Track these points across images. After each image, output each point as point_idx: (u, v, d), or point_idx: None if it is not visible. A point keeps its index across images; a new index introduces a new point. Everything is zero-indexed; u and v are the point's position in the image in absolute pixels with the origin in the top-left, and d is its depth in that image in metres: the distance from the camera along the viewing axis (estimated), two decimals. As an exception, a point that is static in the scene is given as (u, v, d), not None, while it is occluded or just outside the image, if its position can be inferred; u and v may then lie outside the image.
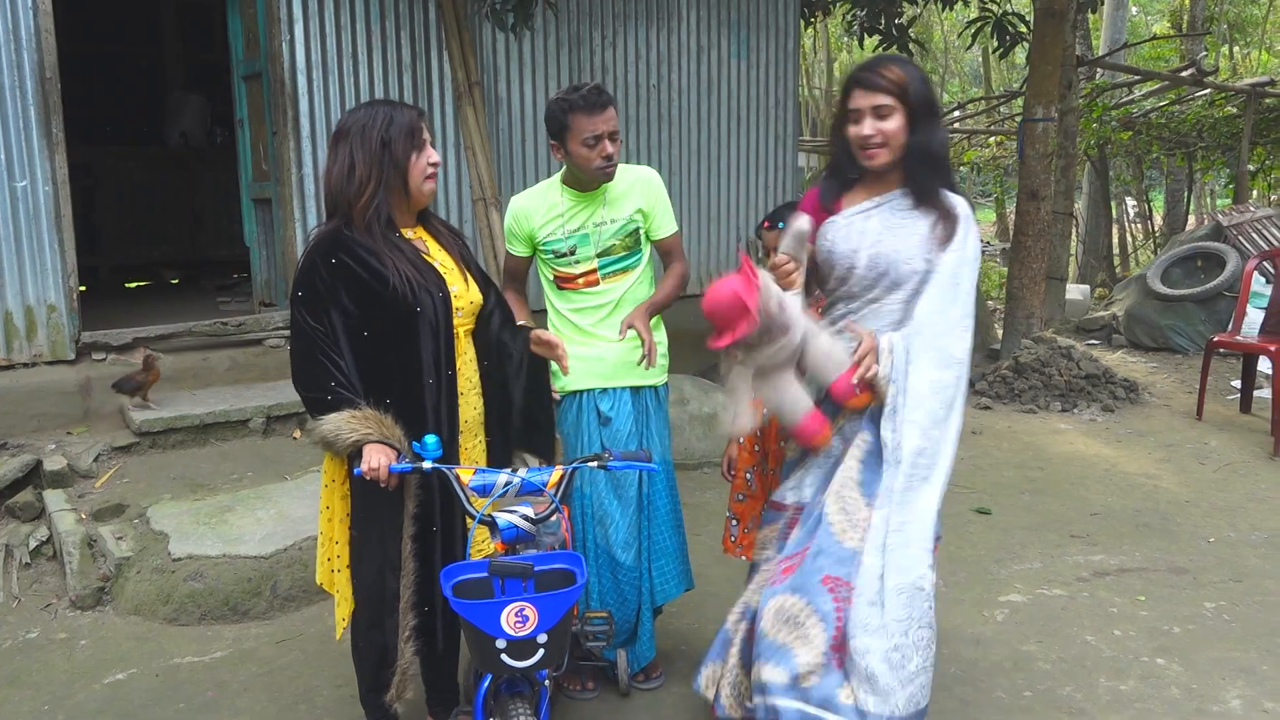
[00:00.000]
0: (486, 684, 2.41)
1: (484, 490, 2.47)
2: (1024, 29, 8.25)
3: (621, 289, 3.20)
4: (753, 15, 7.22)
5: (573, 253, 3.17)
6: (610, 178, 3.11)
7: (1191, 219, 14.26)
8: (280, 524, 4.04)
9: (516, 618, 2.22)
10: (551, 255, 3.19)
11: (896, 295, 2.68)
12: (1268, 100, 11.24)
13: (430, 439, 2.51)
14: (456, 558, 2.66)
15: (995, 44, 8.61)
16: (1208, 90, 11.38)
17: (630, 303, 3.21)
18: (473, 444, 2.81)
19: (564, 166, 3.17)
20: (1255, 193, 13.57)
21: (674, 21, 6.85)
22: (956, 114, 14.78)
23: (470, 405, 2.78)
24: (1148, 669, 3.42)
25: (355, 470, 2.48)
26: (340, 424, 2.50)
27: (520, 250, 3.27)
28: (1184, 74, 10.68)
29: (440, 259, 2.72)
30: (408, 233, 2.71)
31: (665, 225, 3.29)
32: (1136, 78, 11.25)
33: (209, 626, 3.72)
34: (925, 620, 2.47)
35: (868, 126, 2.62)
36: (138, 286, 8.65)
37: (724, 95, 7.17)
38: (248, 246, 6.07)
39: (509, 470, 2.51)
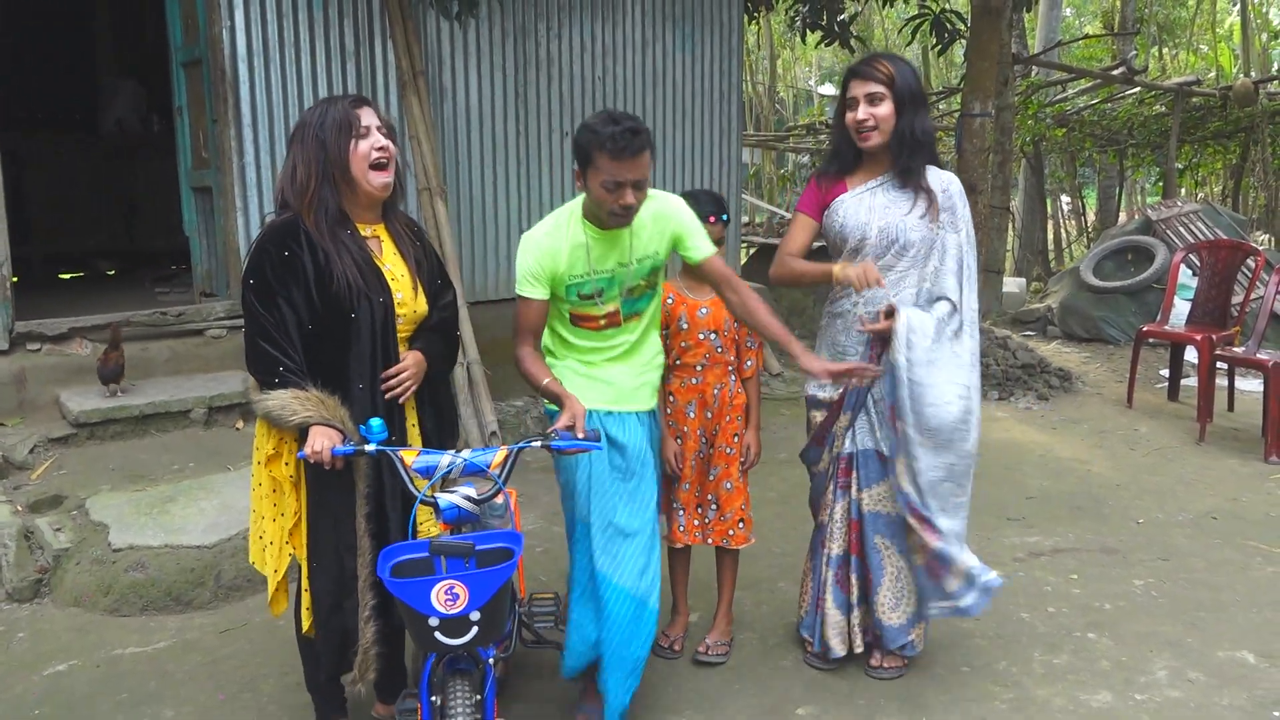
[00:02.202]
0: (431, 663, 2.43)
1: (428, 472, 2.48)
2: (961, 26, 8.42)
3: (639, 330, 2.98)
4: (697, 9, 7.27)
5: (599, 294, 2.87)
6: (625, 226, 2.79)
7: (1123, 215, 14.65)
8: (224, 514, 4.00)
9: (446, 595, 2.24)
10: (576, 298, 2.88)
11: (905, 261, 3.11)
12: (1194, 99, 11.59)
13: (375, 422, 2.52)
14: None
15: (934, 41, 8.78)
16: (1138, 89, 11.69)
17: (646, 342, 3.02)
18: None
19: (582, 196, 2.85)
20: (1182, 190, 13.99)
21: (619, 14, 6.87)
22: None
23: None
24: (1080, 643, 3.54)
25: (300, 454, 2.48)
26: (286, 401, 2.51)
27: (541, 293, 2.84)
28: (1115, 72, 10.97)
29: (392, 263, 2.71)
30: (365, 229, 2.70)
31: (703, 246, 2.95)
32: (1070, 75, 11.52)
33: (151, 617, 3.67)
34: None
35: (862, 111, 3.04)
36: (72, 278, 8.45)
37: (669, 88, 7.22)
38: (187, 236, 5.97)
39: (452, 452, 2.52)
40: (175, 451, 4.72)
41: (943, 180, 3.14)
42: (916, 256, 3.11)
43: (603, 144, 2.64)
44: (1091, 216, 15.96)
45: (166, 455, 4.67)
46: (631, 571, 2.86)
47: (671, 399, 3.30)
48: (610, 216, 2.74)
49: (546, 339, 3.00)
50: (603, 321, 2.90)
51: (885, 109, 3.02)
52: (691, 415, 3.29)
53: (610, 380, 2.94)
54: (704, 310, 3.24)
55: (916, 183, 3.09)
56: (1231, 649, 3.49)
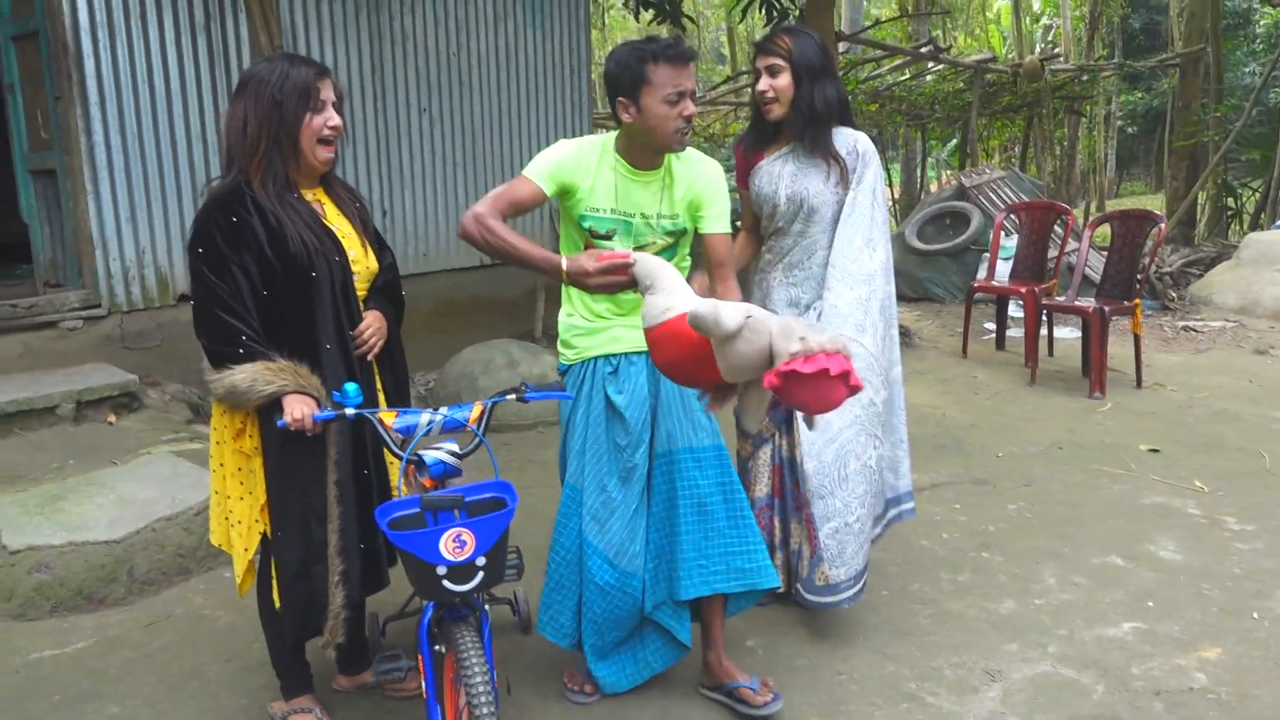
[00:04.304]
0: (429, 615, 2.46)
1: (407, 431, 2.51)
2: (790, 5, 8.83)
3: None
4: (545, -15, 7.33)
5: (609, 237, 2.75)
6: (685, 146, 2.70)
7: (933, 186, 15.69)
8: (125, 508, 3.81)
9: (455, 543, 2.28)
10: (589, 233, 2.77)
11: (815, 227, 3.22)
12: (989, 75, 12.55)
13: (350, 386, 2.52)
14: (386, 498, 2.69)
15: (764, 20, 9.15)
16: (941, 66, 12.55)
17: None
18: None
19: (618, 133, 2.75)
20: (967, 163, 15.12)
21: (470, -12, 6.85)
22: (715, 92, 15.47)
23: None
24: (976, 562, 3.90)
25: (279, 422, 2.45)
26: (256, 374, 2.47)
27: (543, 185, 2.68)
28: (923, 50, 11.73)
29: (338, 224, 2.71)
30: (307, 194, 2.68)
31: (720, 220, 2.81)
32: (883, 53, 12.24)
33: (63, 618, 3.47)
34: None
35: (763, 83, 3.16)
36: None
37: (521, 63, 7.24)
38: (26, 223, 5.55)
39: (430, 409, 2.55)
40: (48, 450, 4.42)
41: (850, 141, 3.24)
42: (826, 222, 3.22)
43: (657, 55, 2.54)
44: (897, 190, 16.97)
45: (40, 454, 4.37)
46: (614, 542, 2.81)
47: None
48: (674, 136, 2.62)
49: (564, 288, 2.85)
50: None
51: (784, 81, 3.13)
52: None
53: (611, 324, 2.84)
54: None
55: (823, 151, 3.20)
56: (1102, 555, 3.93)
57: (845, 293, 3.19)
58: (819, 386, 1.96)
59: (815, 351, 1.96)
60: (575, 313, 2.89)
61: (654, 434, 2.84)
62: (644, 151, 2.72)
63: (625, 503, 2.80)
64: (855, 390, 1.97)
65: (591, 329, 2.86)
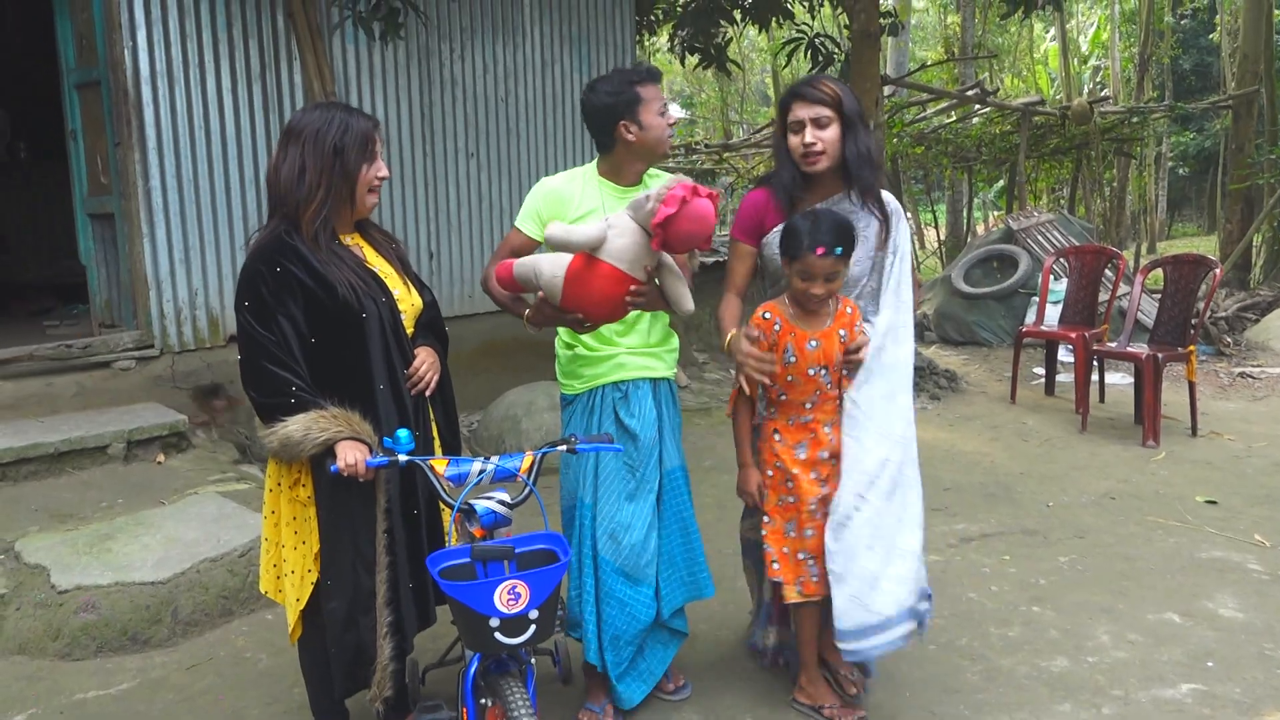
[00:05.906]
0: (475, 666, 2.44)
1: (459, 480, 2.50)
2: (835, 50, 8.85)
3: None
4: (592, 31, 7.41)
5: None
6: (668, 153, 3.00)
7: (980, 228, 15.54)
8: (172, 548, 3.85)
9: (509, 595, 2.27)
10: None
11: (848, 290, 2.99)
12: (1037, 118, 12.47)
13: (402, 433, 2.53)
14: (435, 547, 2.69)
15: (810, 64, 9.18)
16: (988, 109, 12.49)
17: (657, 320, 3.07)
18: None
19: (598, 160, 3.03)
20: (1016, 205, 14.98)
21: (519, 36, 6.94)
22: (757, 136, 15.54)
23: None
24: (1027, 616, 3.80)
25: (332, 468, 2.46)
26: (309, 424, 2.48)
27: (534, 232, 3.00)
28: (970, 93, 11.69)
29: (379, 265, 2.75)
30: (346, 239, 2.71)
31: None
32: (930, 96, 12.21)
33: (108, 659, 3.50)
34: None
35: (809, 135, 2.89)
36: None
37: (569, 108, 7.32)
38: (84, 265, 5.68)
39: (482, 458, 2.55)
40: (99, 488, 4.49)
41: (884, 200, 3.02)
42: (861, 286, 3.00)
43: (642, 77, 2.94)
44: (943, 232, 16.84)
45: (91, 493, 4.44)
46: (629, 557, 2.96)
47: (778, 438, 2.99)
48: (665, 144, 2.99)
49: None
50: None
51: (832, 133, 2.88)
52: (802, 455, 2.96)
53: (617, 351, 2.98)
54: (814, 343, 2.89)
55: (876, 203, 2.95)
56: (1158, 611, 3.81)
57: (878, 383, 2.93)
58: (690, 214, 2.49)
59: (666, 194, 2.48)
60: (576, 344, 3.03)
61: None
62: (633, 168, 3.01)
63: (639, 518, 2.97)
64: (713, 196, 2.54)
65: (598, 358, 3.01)
